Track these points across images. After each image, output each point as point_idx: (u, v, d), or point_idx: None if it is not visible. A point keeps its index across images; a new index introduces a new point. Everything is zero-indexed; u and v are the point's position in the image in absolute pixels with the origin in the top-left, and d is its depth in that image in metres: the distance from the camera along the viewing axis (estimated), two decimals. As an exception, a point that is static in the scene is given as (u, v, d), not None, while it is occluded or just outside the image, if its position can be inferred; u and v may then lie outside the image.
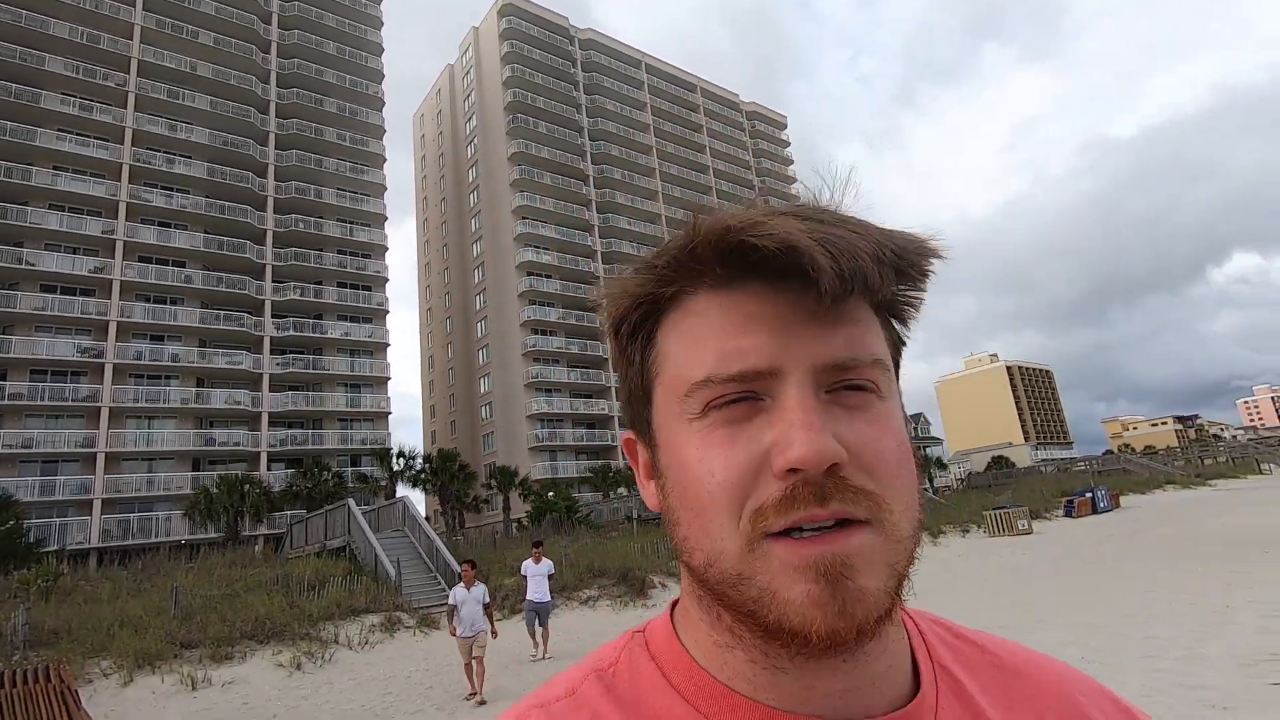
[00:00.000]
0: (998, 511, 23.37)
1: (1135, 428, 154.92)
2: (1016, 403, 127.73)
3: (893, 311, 0.44)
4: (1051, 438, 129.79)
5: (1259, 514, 21.11)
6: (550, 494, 36.17)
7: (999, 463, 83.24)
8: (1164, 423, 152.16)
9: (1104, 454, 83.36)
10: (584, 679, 0.45)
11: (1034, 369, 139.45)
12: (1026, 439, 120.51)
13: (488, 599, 8.58)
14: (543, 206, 54.07)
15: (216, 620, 11.47)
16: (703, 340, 0.41)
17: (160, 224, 39.20)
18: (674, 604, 0.49)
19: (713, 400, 0.40)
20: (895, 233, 0.41)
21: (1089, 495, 30.58)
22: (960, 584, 12.92)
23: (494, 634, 8.53)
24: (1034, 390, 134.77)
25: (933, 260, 0.42)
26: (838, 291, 0.38)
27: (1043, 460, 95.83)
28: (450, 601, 8.50)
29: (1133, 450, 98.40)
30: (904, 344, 0.46)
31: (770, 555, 0.38)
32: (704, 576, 0.40)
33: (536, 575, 10.32)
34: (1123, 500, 33.65)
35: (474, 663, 8.08)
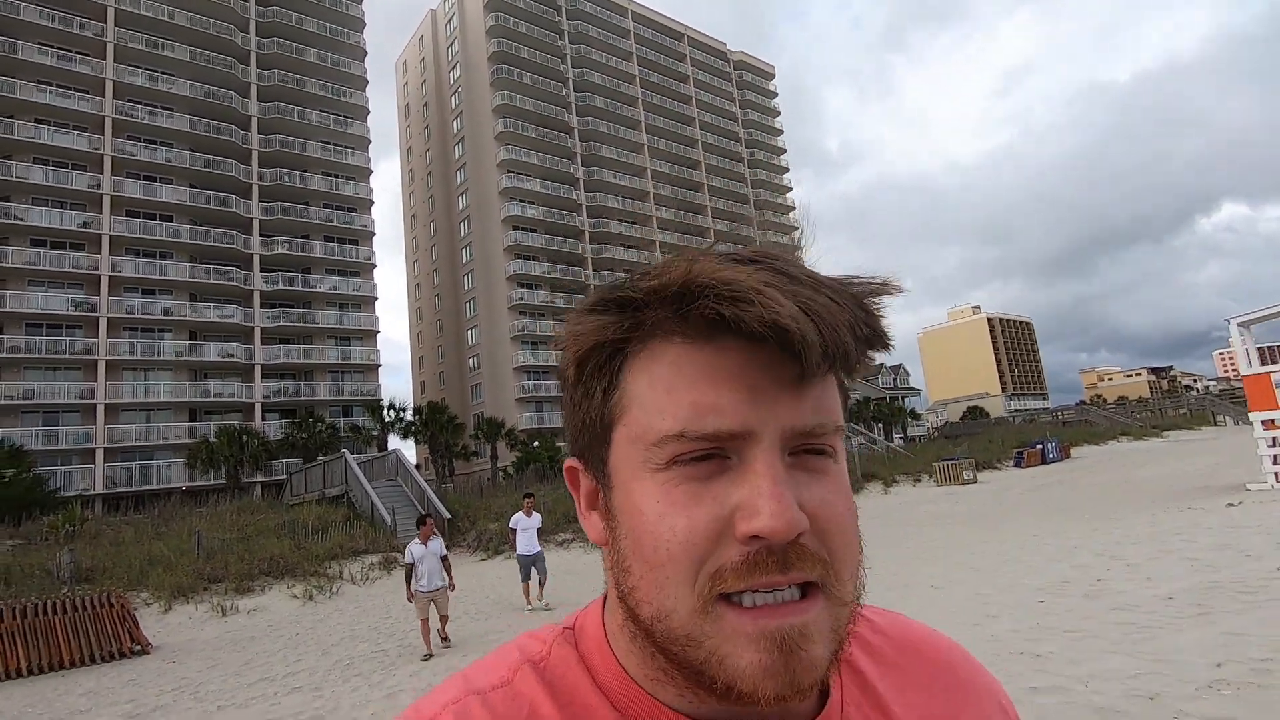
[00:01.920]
0: (946, 463, 25.30)
1: (1110, 378, 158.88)
2: (996, 354, 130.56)
3: (849, 371, 0.44)
4: (1028, 388, 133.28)
5: (1181, 463, 23.13)
6: (535, 444, 37.98)
7: (973, 413, 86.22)
8: (1138, 374, 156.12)
9: (1077, 405, 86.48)
10: (517, 668, 0.45)
11: (1015, 321, 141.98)
12: (1004, 389, 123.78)
13: (444, 551, 8.43)
14: (528, 160, 54.29)
15: (235, 560, 13.11)
16: (675, 390, 0.40)
17: (146, 178, 39.50)
18: (605, 600, 0.48)
19: (680, 455, 0.39)
20: (861, 291, 0.41)
21: (1039, 447, 32.62)
22: (884, 529, 14.74)
23: (452, 586, 8.41)
24: (1013, 342, 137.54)
25: (889, 325, 0.42)
26: (822, 371, 0.39)
27: (1015, 411, 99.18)
28: (406, 559, 8.19)
29: (1105, 401, 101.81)
30: (850, 395, 0.47)
31: (722, 620, 0.38)
32: (649, 629, 0.40)
33: (527, 528, 10.00)
34: (1074, 451, 35.68)
35: (440, 620, 7.97)
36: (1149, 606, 5.51)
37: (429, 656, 7.71)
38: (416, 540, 8.21)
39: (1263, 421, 13.66)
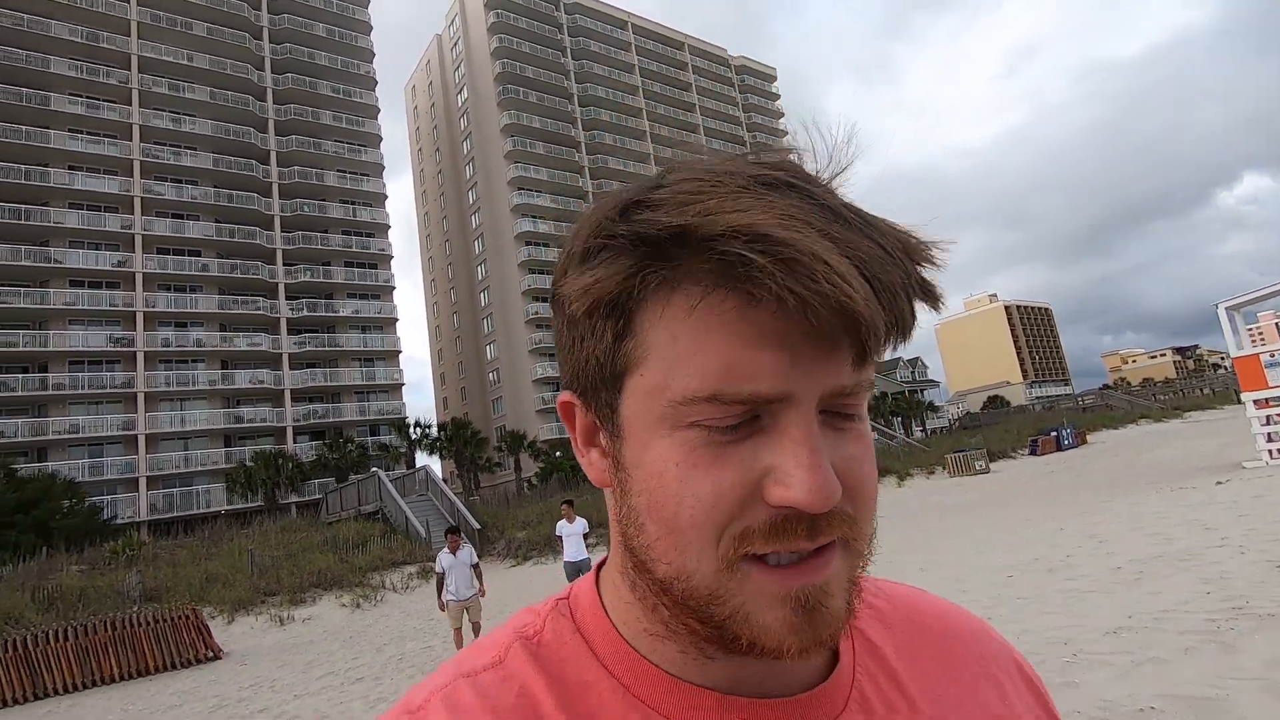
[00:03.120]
0: (958, 454, 25.85)
1: (1134, 360, 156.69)
2: (1015, 342, 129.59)
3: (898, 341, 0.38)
4: (1050, 375, 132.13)
5: (1192, 444, 23.43)
6: (558, 454, 38.97)
7: (994, 402, 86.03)
8: (1162, 354, 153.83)
9: (1100, 389, 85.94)
10: (509, 646, 0.42)
11: (1033, 307, 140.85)
12: (1025, 377, 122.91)
13: (475, 558, 8.46)
14: (537, 176, 55.58)
15: (286, 574, 14.19)
16: (705, 349, 0.34)
17: (174, 216, 41.28)
18: (599, 568, 0.46)
19: (709, 419, 0.35)
20: (913, 242, 0.37)
21: (1054, 434, 32.90)
22: (888, 520, 15.45)
23: (482, 592, 8.42)
24: (1032, 329, 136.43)
25: (938, 281, 0.38)
26: (881, 352, 0.35)
27: (1037, 398, 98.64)
28: (437, 569, 8.29)
29: (1129, 384, 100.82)
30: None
31: (749, 578, 0.36)
32: (666, 586, 0.38)
33: (572, 534, 9.62)
34: (1092, 437, 35.79)
35: (472, 627, 7.99)
36: (1097, 575, 6.28)
37: None
38: (445, 551, 8.33)
39: (1254, 401, 14.20)
